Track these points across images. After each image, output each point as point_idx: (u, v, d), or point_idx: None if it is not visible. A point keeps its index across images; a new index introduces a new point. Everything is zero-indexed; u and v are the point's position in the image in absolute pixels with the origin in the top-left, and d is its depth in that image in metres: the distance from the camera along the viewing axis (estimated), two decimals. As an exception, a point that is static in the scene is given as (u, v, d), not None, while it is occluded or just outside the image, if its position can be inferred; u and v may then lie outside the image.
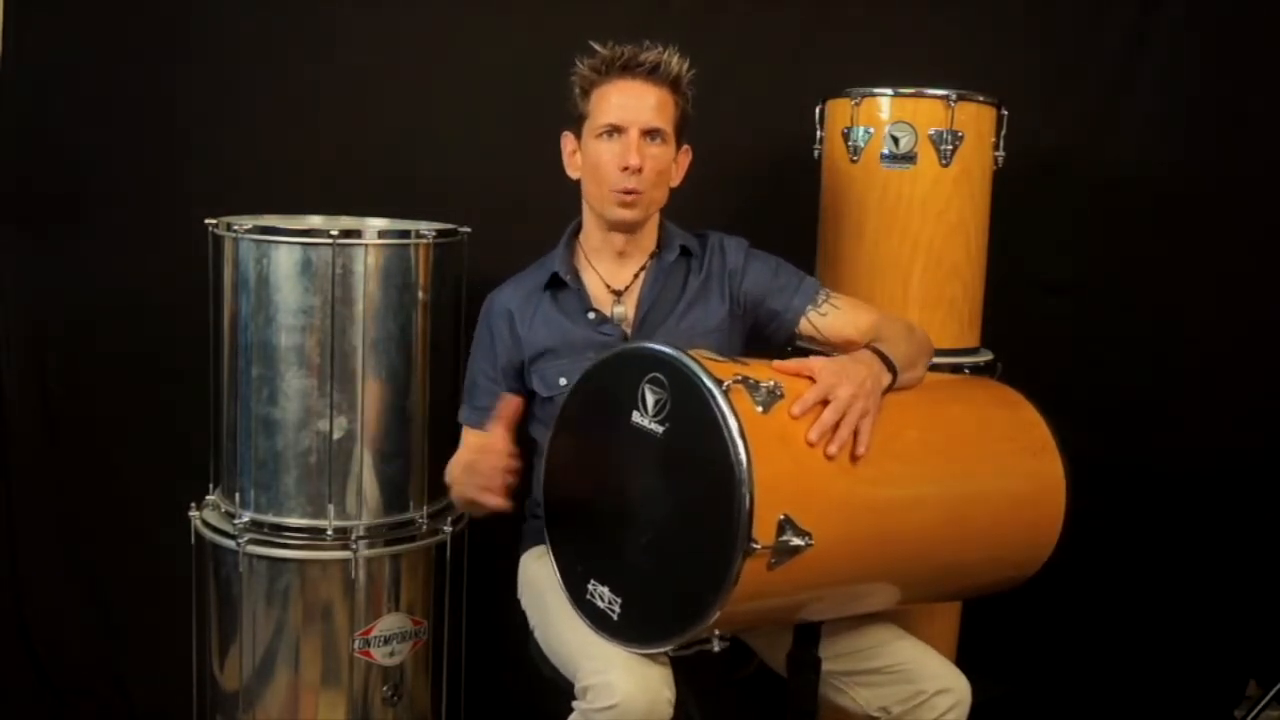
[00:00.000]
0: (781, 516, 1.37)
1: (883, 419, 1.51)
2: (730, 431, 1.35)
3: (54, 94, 2.33)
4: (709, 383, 1.39)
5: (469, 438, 1.89)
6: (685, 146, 1.85)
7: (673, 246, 1.86)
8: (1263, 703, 2.42)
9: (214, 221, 2.03)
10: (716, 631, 1.44)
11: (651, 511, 1.48)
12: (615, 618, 1.52)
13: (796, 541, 1.37)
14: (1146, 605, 2.68)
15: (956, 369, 2.09)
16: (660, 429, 1.46)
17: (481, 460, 1.60)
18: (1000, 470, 1.71)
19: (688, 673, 1.56)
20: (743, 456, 1.34)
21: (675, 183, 1.84)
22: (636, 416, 1.49)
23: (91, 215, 2.37)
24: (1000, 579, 1.77)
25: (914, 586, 1.68)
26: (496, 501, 1.59)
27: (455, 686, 2.20)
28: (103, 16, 2.33)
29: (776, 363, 1.53)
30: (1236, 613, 2.66)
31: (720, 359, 1.50)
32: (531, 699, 1.83)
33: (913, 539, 1.56)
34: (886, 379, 1.57)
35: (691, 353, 1.46)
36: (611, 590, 1.53)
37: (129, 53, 2.34)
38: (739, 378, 1.42)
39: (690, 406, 1.41)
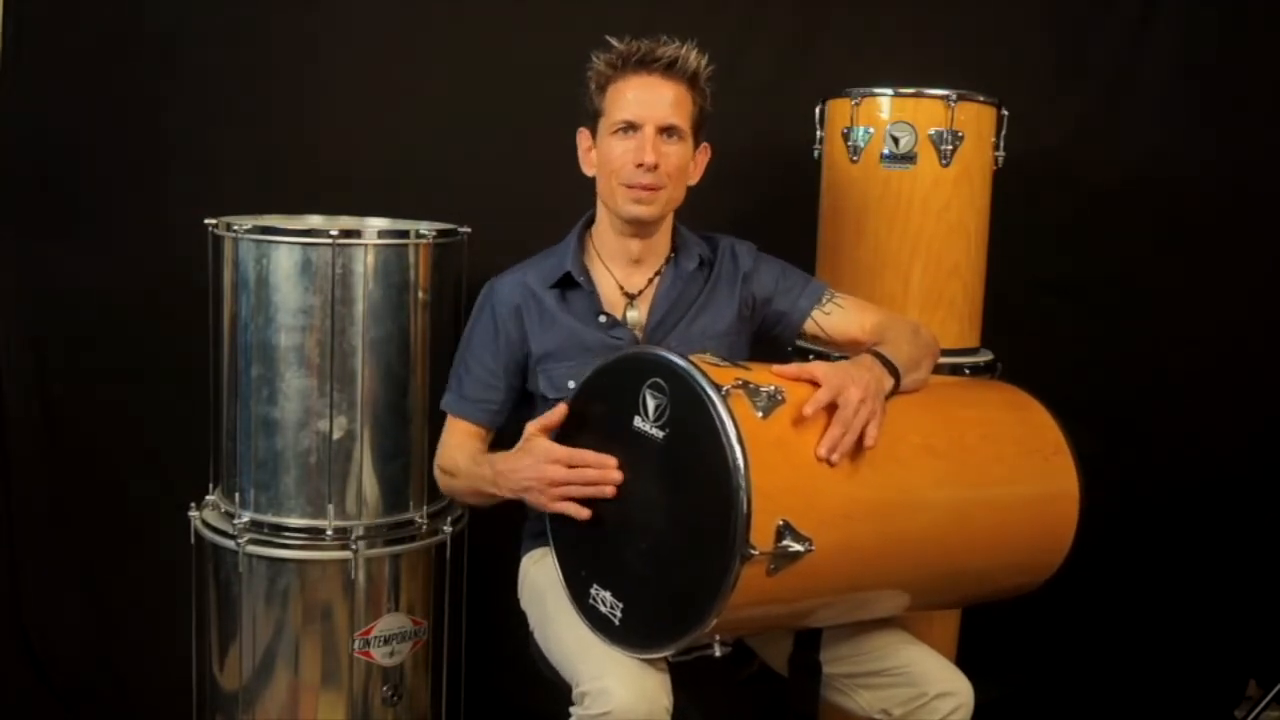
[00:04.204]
0: (780, 522, 1.36)
1: (889, 423, 1.50)
2: (729, 437, 1.35)
3: (54, 94, 2.33)
4: (708, 388, 1.39)
5: (464, 435, 1.84)
6: (704, 144, 1.82)
7: (691, 254, 1.83)
8: (1263, 703, 2.42)
9: (214, 221, 2.03)
10: (717, 637, 1.43)
11: (652, 516, 1.48)
12: (617, 623, 1.52)
13: (796, 547, 1.36)
14: (1147, 605, 2.68)
15: (956, 369, 2.09)
16: (661, 434, 1.45)
17: (582, 475, 1.54)
18: (1008, 474, 1.68)
19: (688, 674, 1.56)
20: (740, 462, 1.34)
21: (693, 181, 1.81)
22: (638, 421, 1.48)
23: (91, 215, 2.37)
24: (1011, 584, 1.75)
25: (921, 593, 1.66)
26: (583, 514, 1.55)
27: (455, 686, 2.20)
28: (103, 16, 2.33)
29: (776, 367, 1.52)
30: (1236, 613, 2.67)
31: (721, 364, 1.49)
32: (531, 699, 1.83)
33: (917, 544, 1.55)
34: (889, 383, 1.56)
35: (692, 358, 1.45)
36: (613, 595, 1.53)
37: (129, 53, 2.34)
38: (739, 383, 1.42)
39: (690, 412, 1.41)
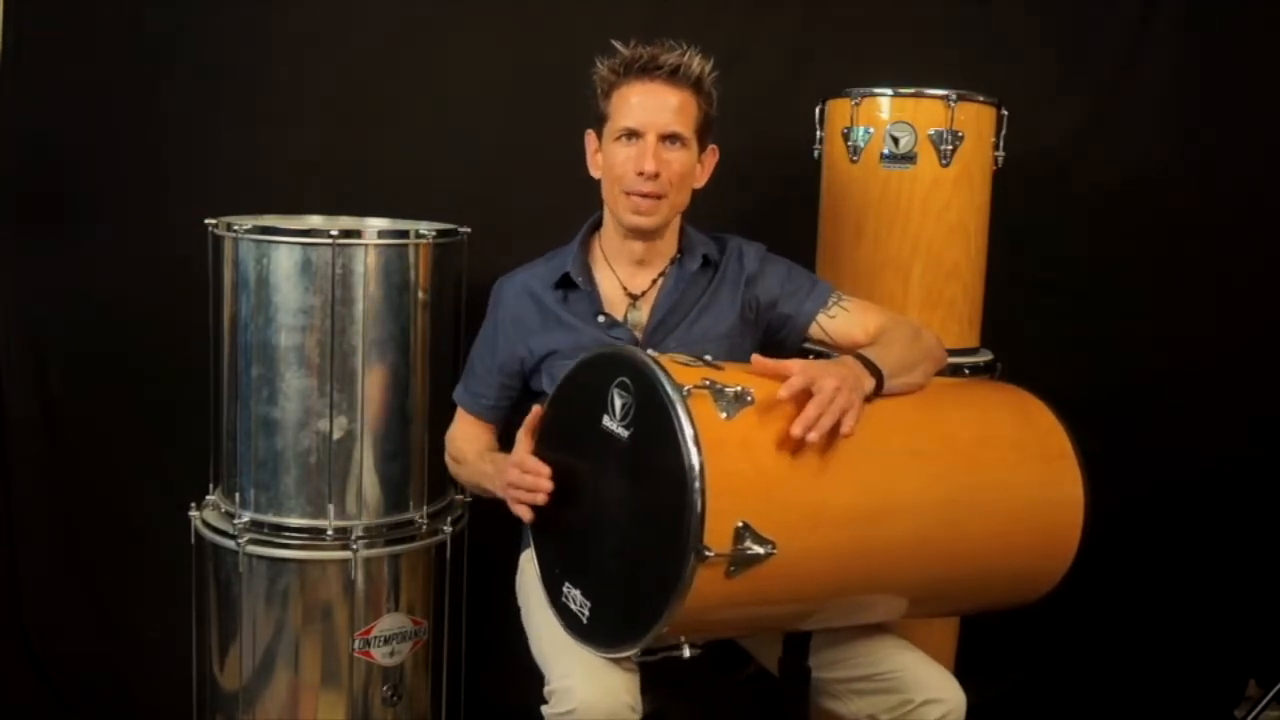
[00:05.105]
0: (740, 524, 1.34)
1: (870, 425, 1.47)
2: (684, 437, 1.33)
3: (54, 94, 2.33)
4: (669, 388, 1.38)
5: (467, 425, 1.93)
6: (712, 147, 1.82)
7: (695, 255, 1.84)
8: (1263, 703, 2.42)
9: (214, 221, 2.03)
10: (683, 638, 1.43)
11: (618, 516, 1.47)
12: (585, 621, 1.52)
13: (756, 550, 1.35)
14: (1146, 605, 2.68)
15: (956, 369, 2.09)
16: (626, 433, 1.45)
17: (523, 479, 1.59)
18: (1004, 480, 1.62)
19: (681, 676, 1.55)
20: (695, 462, 1.32)
21: (699, 184, 1.82)
22: (606, 420, 1.48)
23: (91, 215, 2.37)
24: (1010, 594, 1.69)
25: (911, 601, 1.62)
26: (526, 513, 1.60)
27: (455, 686, 2.20)
28: (102, 16, 2.33)
29: (756, 358, 1.51)
30: (1236, 613, 2.66)
31: (692, 363, 1.48)
32: (532, 699, 1.83)
33: (898, 551, 1.51)
34: (869, 383, 1.53)
35: (660, 357, 1.44)
36: (583, 593, 1.53)
37: (129, 52, 2.34)
38: (705, 382, 1.40)
39: (652, 411, 1.39)
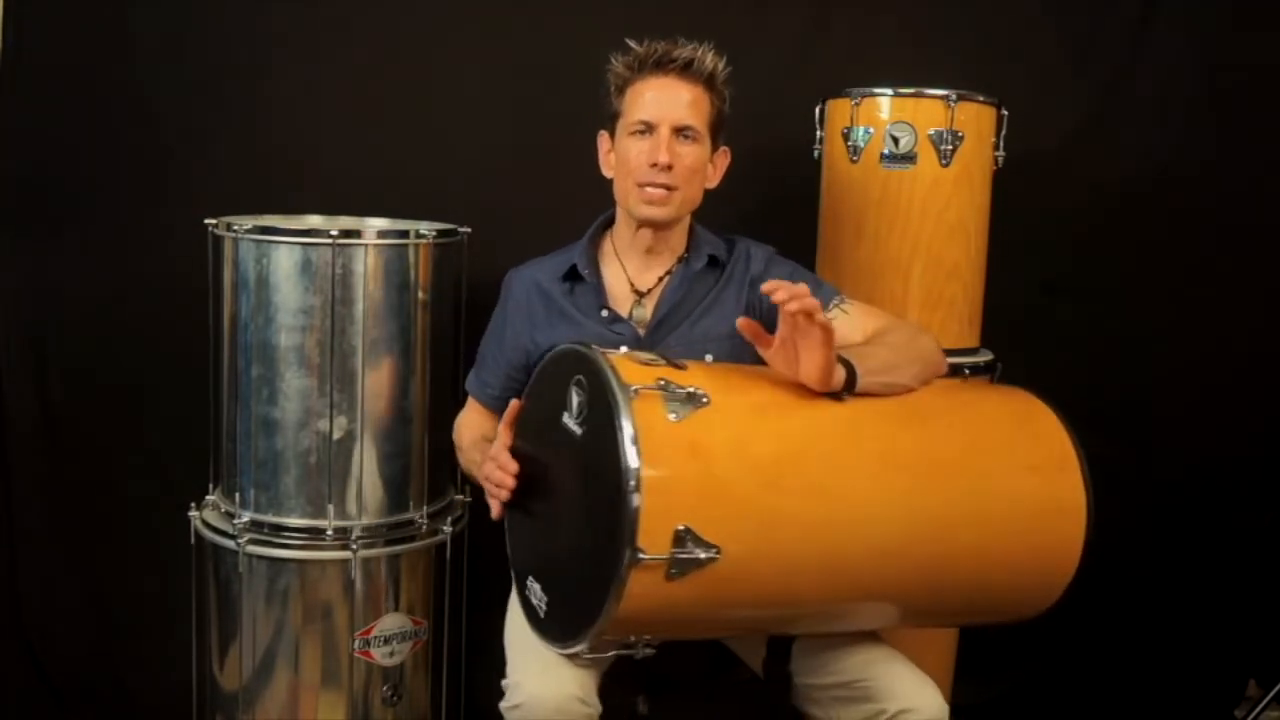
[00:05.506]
0: (680, 527, 1.33)
1: (843, 429, 1.46)
2: (623, 437, 1.32)
3: (54, 94, 2.32)
4: (615, 387, 1.36)
5: (473, 412, 1.95)
6: (724, 148, 1.83)
7: (701, 254, 1.84)
8: (1263, 703, 2.42)
9: (214, 221, 2.03)
10: (633, 636, 1.43)
11: (571, 513, 1.48)
12: (542, 615, 1.53)
13: (698, 554, 1.34)
14: (1146, 605, 2.68)
15: (956, 369, 2.09)
16: (580, 431, 1.45)
17: (494, 474, 1.61)
18: (996, 489, 1.55)
19: (669, 676, 1.56)
20: (633, 464, 1.31)
21: (712, 184, 1.82)
22: (565, 417, 1.48)
23: (91, 215, 2.37)
24: (1006, 609, 1.64)
25: (884, 612, 1.58)
26: (495, 508, 1.63)
27: (455, 686, 2.20)
28: (102, 16, 2.33)
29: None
30: (1236, 613, 2.66)
31: (655, 363, 1.46)
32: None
33: (863, 562, 1.47)
34: (840, 374, 1.50)
35: (617, 355, 1.43)
36: (542, 588, 1.54)
37: (128, 52, 2.34)
38: (659, 383, 1.39)
39: (600, 410, 1.39)
